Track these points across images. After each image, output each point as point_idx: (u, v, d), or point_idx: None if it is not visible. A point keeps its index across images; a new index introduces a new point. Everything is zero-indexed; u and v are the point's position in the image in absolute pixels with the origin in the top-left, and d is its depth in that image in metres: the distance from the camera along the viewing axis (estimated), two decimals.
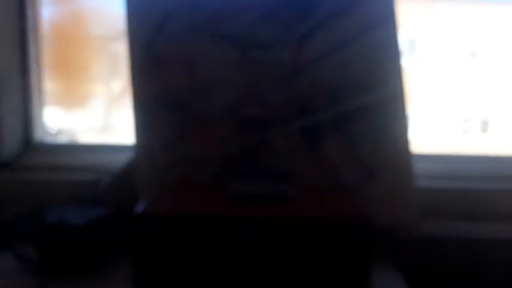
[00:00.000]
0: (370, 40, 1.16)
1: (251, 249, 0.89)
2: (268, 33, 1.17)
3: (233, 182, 0.97)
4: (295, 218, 0.87)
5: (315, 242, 0.87)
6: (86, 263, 0.99)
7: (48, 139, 1.46)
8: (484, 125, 1.35)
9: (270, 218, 0.87)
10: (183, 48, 1.15)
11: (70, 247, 0.97)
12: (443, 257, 1.17)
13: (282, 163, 1.14)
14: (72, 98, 1.47)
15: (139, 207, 0.89)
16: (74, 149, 1.44)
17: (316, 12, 1.15)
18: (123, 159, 1.25)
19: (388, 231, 1.14)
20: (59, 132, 1.49)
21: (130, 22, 1.21)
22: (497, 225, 1.22)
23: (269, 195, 0.95)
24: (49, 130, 1.49)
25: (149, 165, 1.17)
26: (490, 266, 1.15)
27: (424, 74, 1.35)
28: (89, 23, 1.44)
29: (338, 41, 1.13)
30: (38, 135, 1.48)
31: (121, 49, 1.31)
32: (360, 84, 1.14)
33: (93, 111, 1.45)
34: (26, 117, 1.41)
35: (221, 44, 1.17)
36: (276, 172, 1.03)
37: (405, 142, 1.16)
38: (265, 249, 0.90)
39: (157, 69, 1.16)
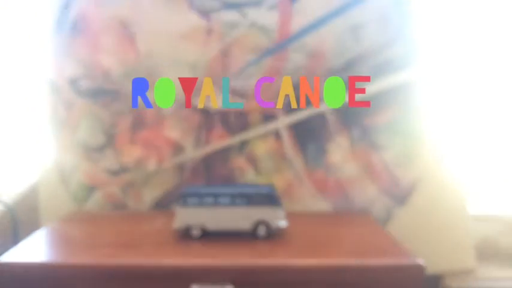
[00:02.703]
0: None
1: None
2: None
3: (185, 208, 0.79)
4: (288, 268, 0.69)
5: None
6: None
7: None
8: None
9: (244, 269, 0.69)
10: (115, 9, 0.98)
11: None
12: None
13: (266, 179, 0.98)
14: None
15: (13, 252, 0.74)
16: None
17: None
18: (21, 181, 1.07)
19: (434, 280, 0.99)
20: None
21: None
22: None
23: (244, 229, 0.79)
24: None
25: (61, 185, 1.00)
26: None
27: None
28: None
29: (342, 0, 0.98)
30: None
31: None
32: (376, 59, 0.96)
33: None
34: None
35: (172, 4, 0.95)
36: (256, 193, 0.81)
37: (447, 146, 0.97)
38: None
39: (78, 40, 0.98)
